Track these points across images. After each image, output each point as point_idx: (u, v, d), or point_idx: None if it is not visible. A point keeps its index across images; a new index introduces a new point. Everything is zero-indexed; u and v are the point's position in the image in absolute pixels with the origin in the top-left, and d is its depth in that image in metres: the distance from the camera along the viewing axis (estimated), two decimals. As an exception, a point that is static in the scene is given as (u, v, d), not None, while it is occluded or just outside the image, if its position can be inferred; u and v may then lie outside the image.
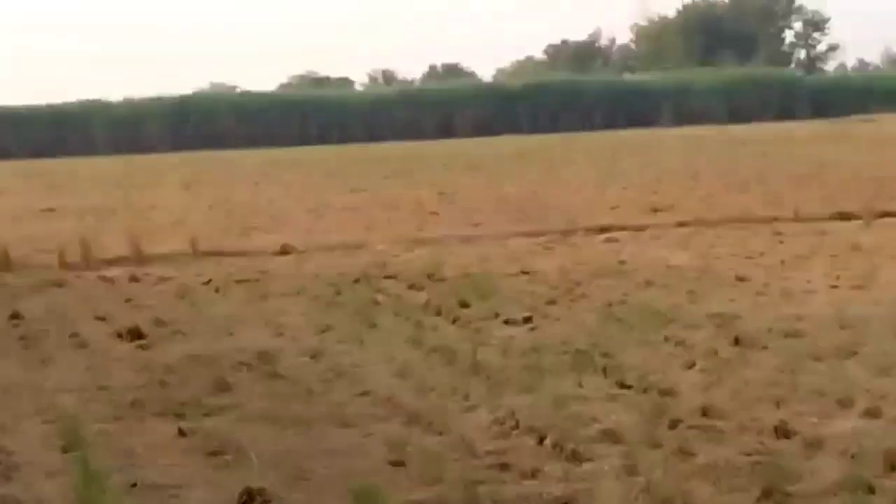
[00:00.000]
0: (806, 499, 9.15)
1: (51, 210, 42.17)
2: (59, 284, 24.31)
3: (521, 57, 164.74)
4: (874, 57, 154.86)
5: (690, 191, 37.72)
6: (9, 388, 14.56)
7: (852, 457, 9.98)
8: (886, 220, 27.72)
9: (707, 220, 29.22)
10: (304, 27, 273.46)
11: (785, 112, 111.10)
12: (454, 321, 17.84)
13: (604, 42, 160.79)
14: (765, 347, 14.65)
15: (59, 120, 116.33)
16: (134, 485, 10.34)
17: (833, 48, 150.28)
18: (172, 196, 46.58)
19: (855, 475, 9.39)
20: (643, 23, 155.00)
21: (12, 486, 10.49)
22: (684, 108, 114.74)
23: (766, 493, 9.20)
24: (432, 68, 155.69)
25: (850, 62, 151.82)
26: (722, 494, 9.20)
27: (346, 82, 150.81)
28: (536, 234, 28.54)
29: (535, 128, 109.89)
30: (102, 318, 19.59)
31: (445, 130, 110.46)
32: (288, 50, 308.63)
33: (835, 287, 19.23)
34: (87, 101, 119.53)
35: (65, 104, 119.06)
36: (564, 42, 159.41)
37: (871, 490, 9.10)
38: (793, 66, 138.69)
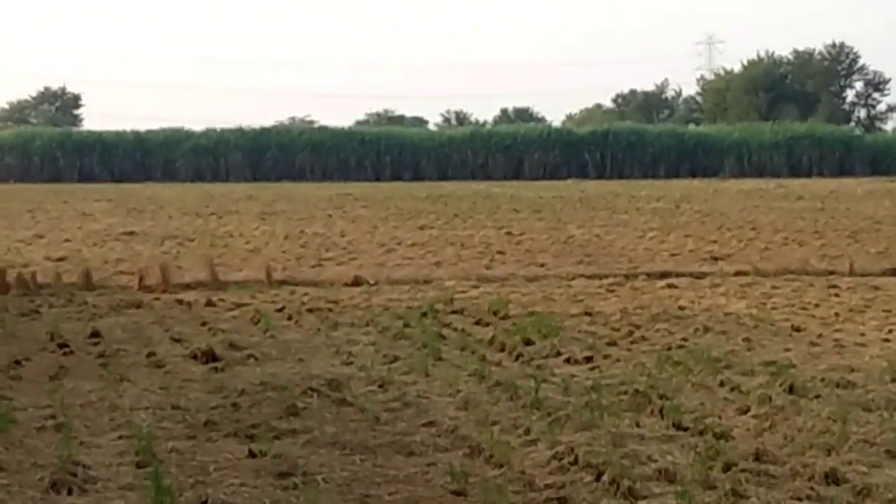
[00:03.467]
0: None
1: (132, 234, 42.36)
2: (138, 306, 24.42)
3: (591, 104, 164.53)
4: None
5: (749, 242, 37.54)
6: (87, 405, 14.65)
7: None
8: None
9: (764, 271, 29.08)
10: (382, 67, 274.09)
11: (843, 169, 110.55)
12: (517, 357, 17.81)
13: (670, 93, 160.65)
14: (817, 396, 14.52)
15: (142, 147, 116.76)
16: (204, 502, 10.37)
17: (893, 108, 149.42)
18: (249, 225, 46.68)
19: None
20: (709, 76, 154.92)
21: (88, 498, 10.55)
22: (745, 161, 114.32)
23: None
24: (504, 112, 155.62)
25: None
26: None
27: (420, 121, 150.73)
28: (599, 277, 28.48)
29: (601, 173, 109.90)
30: (178, 340, 19.70)
31: (514, 172, 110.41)
32: (366, 88, 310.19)
33: (887, 340, 19.06)
34: (171, 129, 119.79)
35: (148, 131, 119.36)
36: (632, 91, 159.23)
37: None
38: (853, 124, 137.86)
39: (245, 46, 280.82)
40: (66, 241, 39.52)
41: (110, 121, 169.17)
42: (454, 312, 22.77)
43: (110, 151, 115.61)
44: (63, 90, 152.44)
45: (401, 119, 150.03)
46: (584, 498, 10.38)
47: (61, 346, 19.12)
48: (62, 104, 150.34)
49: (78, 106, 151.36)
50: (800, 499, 10.24)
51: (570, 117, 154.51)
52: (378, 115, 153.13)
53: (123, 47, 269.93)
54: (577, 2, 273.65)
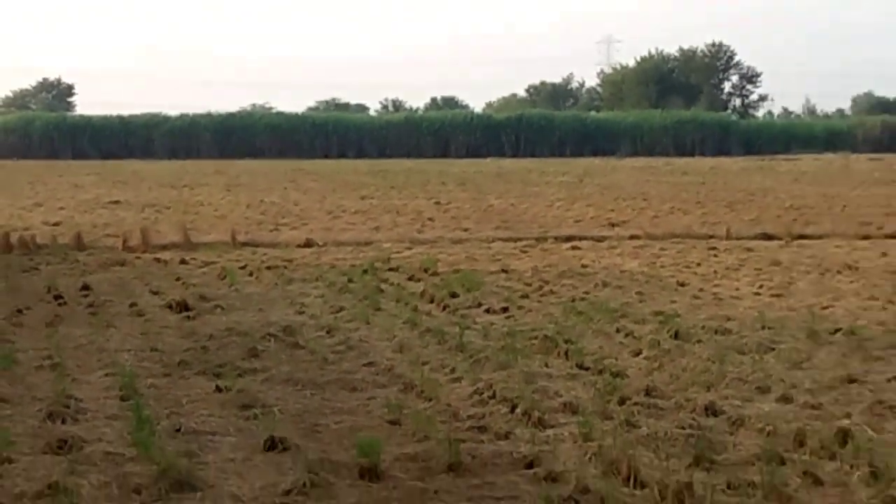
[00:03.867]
0: (729, 467, 9.17)
1: (117, 202, 42.12)
2: (122, 263, 24.33)
3: (507, 94, 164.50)
4: (797, 107, 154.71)
5: (641, 210, 37.60)
6: (78, 347, 14.65)
7: (768, 434, 10.03)
8: (802, 241, 27.69)
9: (654, 235, 29.12)
10: (331, 61, 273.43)
11: (721, 149, 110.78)
12: (444, 308, 17.86)
13: (575, 85, 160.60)
14: (699, 341, 14.65)
15: (126, 129, 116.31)
16: (178, 430, 10.45)
17: (763, 98, 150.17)
18: (216, 195, 46.46)
19: (769, 449, 9.42)
20: (608, 70, 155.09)
21: (80, 426, 10.52)
22: (638, 143, 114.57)
23: (697, 461, 9.23)
24: (433, 100, 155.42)
25: (777, 110, 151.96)
26: (660, 461, 9.20)
27: (362, 108, 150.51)
28: (514, 240, 28.45)
29: (516, 153, 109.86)
30: (156, 293, 19.70)
31: (442, 151, 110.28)
32: (317, 79, 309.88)
33: (757, 294, 19.19)
34: (150, 114, 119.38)
35: (131, 116, 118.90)
36: (543, 83, 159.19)
37: (782, 461, 9.13)
38: (729, 111, 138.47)
39: (215, 43, 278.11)
40: (61, 208, 39.26)
41: (99, 107, 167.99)
42: (391, 270, 22.74)
43: (99, 133, 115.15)
44: (59, 81, 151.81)
45: (346, 106, 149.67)
46: (501, 427, 10.43)
47: (57, 297, 19.06)
48: (58, 93, 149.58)
49: (71, 94, 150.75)
50: (683, 427, 10.30)
51: (489, 105, 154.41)
52: (327, 102, 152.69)
53: (110, 43, 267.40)
54: (495, 5, 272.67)
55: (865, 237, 28.69)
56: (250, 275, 22.31)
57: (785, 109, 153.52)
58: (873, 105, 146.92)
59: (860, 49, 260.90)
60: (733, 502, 8.12)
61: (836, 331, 15.31)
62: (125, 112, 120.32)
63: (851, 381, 12.30)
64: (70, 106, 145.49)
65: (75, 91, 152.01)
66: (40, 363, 13.60)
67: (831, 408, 11.13)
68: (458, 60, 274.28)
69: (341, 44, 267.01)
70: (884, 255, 24.81)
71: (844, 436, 9.86)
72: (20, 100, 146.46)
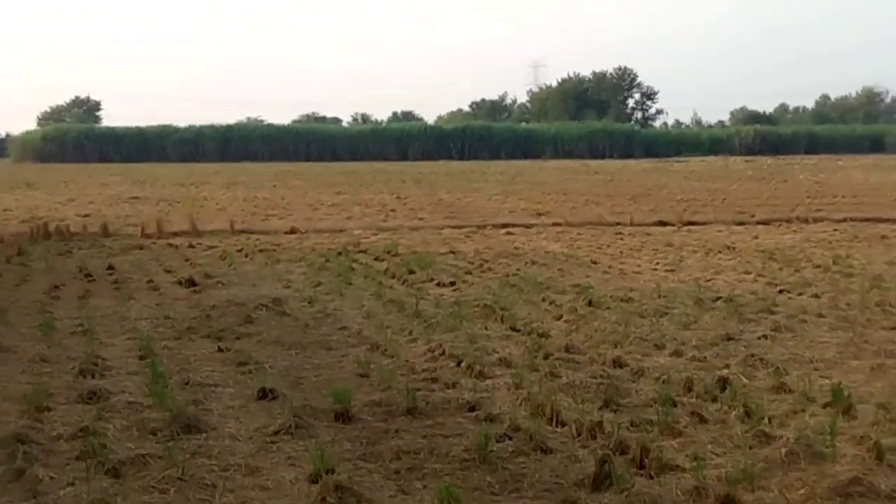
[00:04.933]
0: (632, 409, 9.22)
1: (136, 198, 41.88)
2: (140, 247, 24.15)
3: (454, 108, 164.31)
4: (686, 119, 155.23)
5: (562, 203, 37.61)
6: (105, 316, 14.55)
7: (663, 382, 10.12)
8: (690, 227, 27.78)
9: (572, 223, 29.14)
10: (311, 81, 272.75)
11: (626, 153, 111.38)
12: (403, 282, 17.79)
13: (509, 101, 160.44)
14: (608, 307, 14.66)
15: (143, 138, 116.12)
16: (186, 383, 10.44)
17: (659, 112, 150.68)
18: (218, 192, 46.24)
19: (664, 394, 9.46)
20: (535, 89, 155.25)
21: (105, 381, 10.46)
22: (560, 148, 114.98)
23: (606, 404, 9.26)
24: (394, 114, 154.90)
25: (671, 121, 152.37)
26: (577, 404, 9.21)
27: (336, 120, 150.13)
28: (460, 227, 28.40)
29: (462, 157, 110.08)
30: (168, 271, 19.59)
31: (402, 156, 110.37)
32: (299, 97, 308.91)
33: (654, 270, 19.23)
34: (163, 125, 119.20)
35: (148, 127, 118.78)
36: (483, 100, 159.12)
37: (674, 404, 9.17)
38: (632, 122, 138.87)
39: (216, 66, 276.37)
40: (90, 203, 38.97)
41: (121, 120, 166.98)
42: (360, 252, 22.64)
43: (121, 141, 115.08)
44: (88, 98, 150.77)
45: (323, 118, 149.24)
46: (449, 378, 10.45)
47: (87, 275, 18.94)
48: (87, 108, 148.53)
49: (99, 109, 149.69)
50: (595, 377, 10.36)
51: (440, 117, 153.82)
52: (307, 115, 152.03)
53: (130, 66, 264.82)
54: (446, 35, 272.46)
55: (741, 223, 28.81)
56: (245, 256, 22.17)
57: (677, 121, 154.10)
58: (747, 117, 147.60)
59: (736, 70, 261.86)
60: (635, 437, 8.14)
61: (718, 298, 15.40)
62: (143, 124, 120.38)
63: (729, 338, 12.38)
64: (97, 119, 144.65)
65: (102, 107, 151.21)
66: (74, 329, 13.53)
67: (713, 360, 11.22)
68: (415, 81, 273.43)
69: (319, 66, 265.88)
70: (755, 237, 24.93)
71: (724, 383, 9.96)
72: (56, 114, 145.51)
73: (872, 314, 13.99)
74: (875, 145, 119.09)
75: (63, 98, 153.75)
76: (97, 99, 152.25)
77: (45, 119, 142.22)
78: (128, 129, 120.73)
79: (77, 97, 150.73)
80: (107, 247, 24.40)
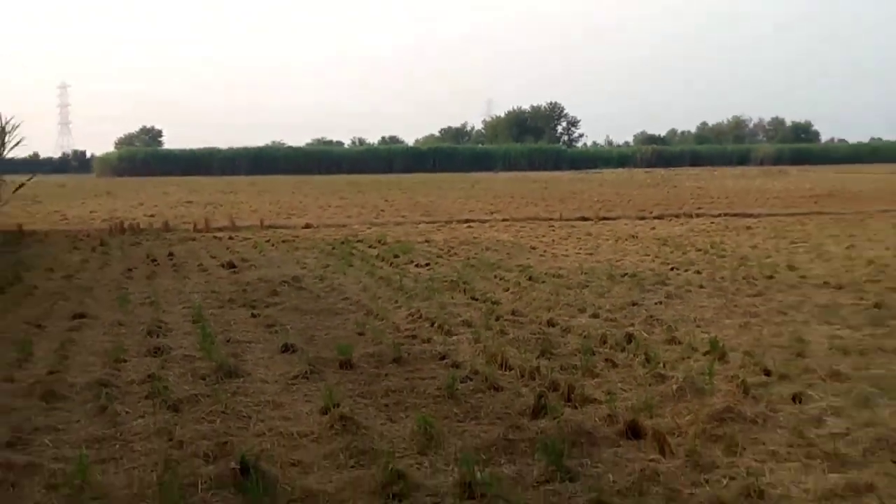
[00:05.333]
0: (561, 357, 9.26)
1: (189, 202, 41.59)
2: (193, 239, 23.98)
3: (428, 133, 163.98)
4: (601, 140, 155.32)
5: (509, 203, 37.57)
6: (166, 290, 14.47)
7: (584, 337, 10.10)
8: (604, 221, 27.76)
9: (517, 218, 29.12)
10: (320, 113, 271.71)
11: (556, 167, 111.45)
12: (390, 264, 17.69)
13: (469, 128, 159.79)
14: (543, 281, 14.63)
15: (194, 157, 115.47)
16: (228, 340, 10.36)
17: (580, 135, 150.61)
18: (250, 198, 46.01)
19: (585, 346, 9.47)
20: (488, 119, 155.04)
21: (167, 339, 10.41)
22: (507, 163, 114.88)
23: (542, 353, 9.27)
24: (383, 137, 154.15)
25: (589, 143, 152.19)
26: (521, 354, 9.21)
27: (340, 143, 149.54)
28: (433, 223, 28.31)
29: (434, 170, 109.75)
30: (214, 257, 19.40)
31: (388, 169, 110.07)
32: (312, 124, 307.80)
33: (578, 253, 19.18)
34: (209, 147, 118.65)
35: (198, 149, 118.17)
36: (449, 127, 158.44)
37: (593, 353, 9.18)
38: (561, 144, 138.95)
39: (247, 100, 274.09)
40: (155, 206, 38.66)
41: (178, 143, 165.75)
42: (357, 241, 22.48)
43: (178, 160, 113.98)
44: (153, 127, 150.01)
45: (330, 142, 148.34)
46: (425, 335, 10.44)
47: (153, 260, 18.81)
48: (152, 134, 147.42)
49: (160, 135, 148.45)
50: (534, 334, 10.34)
51: (417, 140, 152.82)
52: (318, 139, 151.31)
53: (186, 102, 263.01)
54: (419, 79, 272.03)
55: (642, 218, 28.76)
56: (272, 245, 21.98)
57: (594, 142, 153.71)
58: (645, 138, 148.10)
59: (637, 102, 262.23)
60: (564, 378, 8.15)
61: (625, 275, 15.39)
62: (195, 146, 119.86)
63: (634, 304, 12.41)
64: (160, 142, 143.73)
65: (163, 133, 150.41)
66: (143, 301, 13.47)
67: (622, 320, 11.24)
68: (398, 112, 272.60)
69: (326, 100, 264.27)
70: (653, 228, 24.94)
71: (630, 337, 9.97)
72: (128, 139, 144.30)
73: (740, 285, 14.07)
74: (742, 159, 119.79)
75: (134, 127, 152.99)
76: (159, 128, 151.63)
77: (120, 143, 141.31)
78: (182, 150, 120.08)
79: (144, 126, 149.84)
80: (167, 239, 24.23)
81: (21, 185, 28.31)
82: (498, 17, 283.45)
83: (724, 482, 5.82)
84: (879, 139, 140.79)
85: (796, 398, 7.59)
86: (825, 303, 12.30)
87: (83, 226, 28.88)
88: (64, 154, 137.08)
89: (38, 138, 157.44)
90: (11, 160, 28.50)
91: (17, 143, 28.56)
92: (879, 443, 6.40)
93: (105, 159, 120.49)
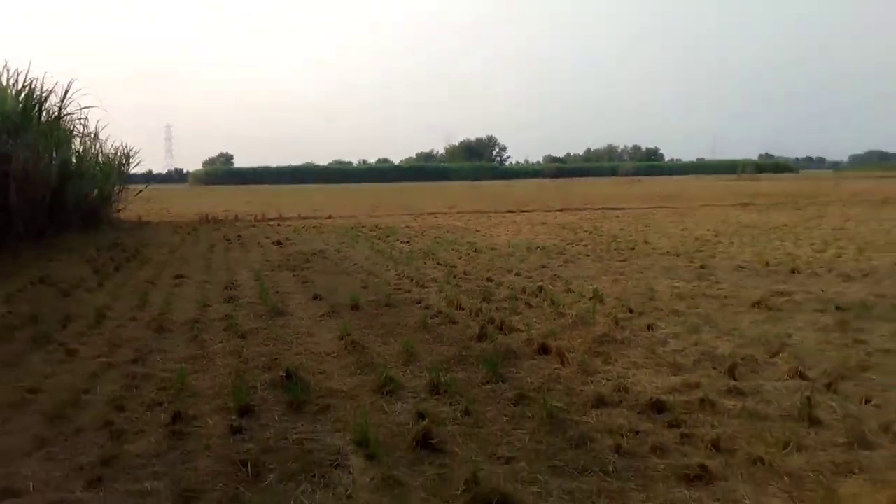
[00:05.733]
0: (496, 301, 9.15)
1: (251, 202, 41.15)
2: (254, 226, 23.64)
3: (410, 155, 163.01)
4: (522, 160, 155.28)
5: (464, 201, 37.39)
6: (237, 261, 14.24)
7: (511, 289, 10.00)
8: (523, 213, 27.70)
9: (468, 211, 29.02)
10: (336, 140, 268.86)
11: (493, 178, 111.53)
12: (384, 241, 17.46)
13: (435, 152, 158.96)
14: (484, 253, 14.51)
15: (255, 172, 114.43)
16: (276, 291, 10.16)
17: (508, 157, 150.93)
18: (291, 199, 45.57)
19: (511, 295, 9.43)
20: (448, 145, 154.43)
21: (237, 291, 10.28)
22: (461, 176, 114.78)
23: (484, 299, 9.19)
24: (378, 159, 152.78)
25: (513, 161, 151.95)
26: (469, 300, 9.16)
27: (349, 163, 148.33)
28: (413, 214, 28.16)
29: (412, 181, 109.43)
30: (268, 237, 19.09)
31: (382, 180, 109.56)
32: (330, 148, 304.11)
33: (506, 234, 19.09)
34: (263, 166, 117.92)
35: (258, 167, 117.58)
36: (421, 152, 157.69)
37: (516, 299, 9.14)
38: (495, 162, 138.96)
39: (287, 133, 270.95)
40: (228, 205, 38.22)
41: (244, 162, 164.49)
42: (362, 227, 22.20)
43: (244, 174, 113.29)
44: (226, 153, 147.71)
45: (349, 163, 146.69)
46: (407, 288, 10.32)
47: (227, 240, 18.52)
48: (225, 158, 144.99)
49: (231, 158, 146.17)
50: (479, 287, 10.23)
51: (402, 160, 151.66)
52: (335, 160, 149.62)
53: (249, 133, 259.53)
54: (400, 115, 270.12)
55: (548, 211, 28.67)
56: (305, 230, 21.62)
57: (518, 162, 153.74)
58: (550, 158, 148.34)
59: (547, 130, 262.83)
60: (498, 315, 8.12)
61: (537, 247, 15.32)
62: (255, 164, 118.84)
63: (543, 267, 12.32)
64: (232, 162, 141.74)
65: (233, 156, 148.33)
66: (221, 266, 13.22)
67: (536, 277, 11.15)
68: (388, 138, 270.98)
69: (341, 127, 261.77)
70: (555, 217, 24.87)
71: (540, 289, 9.90)
72: (210, 161, 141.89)
73: (612, 254, 14.04)
74: (613, 172, 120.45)
75: (215, 151, 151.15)
76: (231, 153, 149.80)
77: (206, 162, 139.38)
78: (246, 168, 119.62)
79: (221, 152, 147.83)
80: (236, 226, 23.87)
81: (140, 191, 28.55)
82: (463, 72, 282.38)
83: (603, 382, 5.81)
84: (703, 159, 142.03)
85: (649, 327, 7.59)
86: (668, 265, 12.36)
87: (181, 217, 28.45)
88: (168, 170, 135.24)
89: (150, 160, 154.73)
90: (133, 175, 28.51)
91: (137, 163, 28.59)
92: (703, 356, 6.43)
93: (195, 174, 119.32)
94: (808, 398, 5.02)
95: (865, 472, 4.07)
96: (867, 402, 5.17)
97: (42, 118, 19.30)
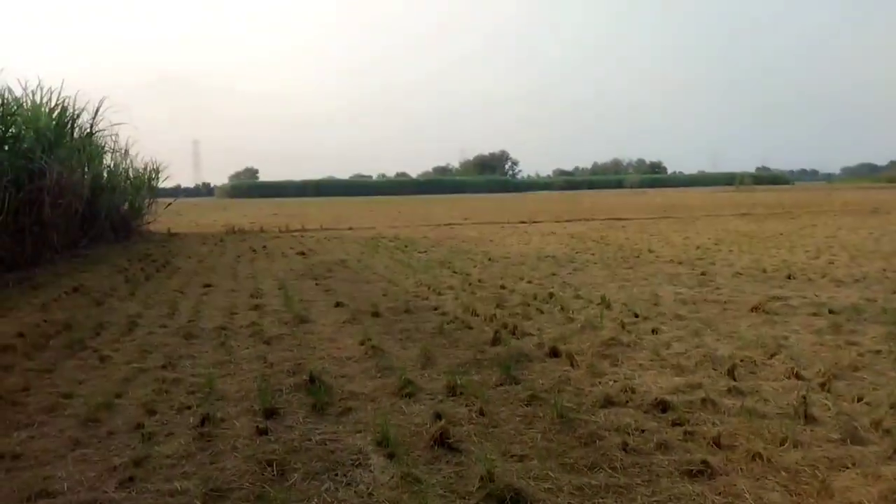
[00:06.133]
0: (510, 307, 9.15)
1: (275, 214, 41.27)
2: (278, 237, 23.65)
3: (426, 169, 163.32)
4: (533, 174, 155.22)
5: (478, 213, 37.44)
6: (262, 269, 14.31)
7: (523, 295, 10.02)
8: (534, 224, 27.70)
9: (482, 222, 29.03)
10: (353, 155, 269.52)
11: (505, 191, 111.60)
12: (402, 251, 17.52)
13: (451, 166, 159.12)
14: (498, 262, 14.55)
15: (278, 186, 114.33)
16: (300, 300, 10.18)
17: (520, 170, 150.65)
18: (314, 212, 45.70)
19: (524, 302, 9.45)
20: (462, 160, 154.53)
21: (262, 300, 10.28)
22: (475, 189, 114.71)
23: (497, 305, 9.23)
24: (396, 173, 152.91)
25: (525, 175, 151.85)
26: (484, 306, 9.18)
27: (369, 176, 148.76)
28: (427, 226, 28.17)
29: (429, 194, 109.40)
30: (292, 248, 19.13)
31: (400, 193, 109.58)
32: (347, 162, 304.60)
33: (518, 244, 19.09)
34: (287, 180, 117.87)
35: (281, 181, 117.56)
36: (438, 166, 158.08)
37: (528, 305, 9.15)
38: (508, 175, 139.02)
39: (307, 150, 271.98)
40: (254, 217, 38.39)
41: (268, 176, 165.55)
42: (382, 238, 22.24)
43: (268, 188, 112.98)
44: (252, 167, 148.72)
45: (368, 176, 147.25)
46: (425, 295, 10.31)
47: (253, 250, 18.60)
48: (251, 172, 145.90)
49: (257, 172, 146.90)
50: (493, 294, 10.25)
51: (419, 174, 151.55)
52: (354, 174, 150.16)
53: (271, 149, 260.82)
54: (417, 134, 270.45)
55: (558, 221, 28.70)
56: (328, 241, 21.67)
57: (528, 175, 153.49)
58: (559, 172, 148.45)
59: (557, 147, 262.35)
60: (511, 321, 8.13)
61: (547, 256, 15.35)
62: (279, 178, 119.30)
63: (553, 274, 12.33)
64: (257, 176, 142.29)
65: (258, 171, 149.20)
66: (247, 276, 13.28)
67: (546, 284, 11.14)
68: (405, 155, 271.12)
69: (359, 143, 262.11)
70: (565, 228, 24.86)
71: (551, 295, 9.93)
72: (236, 175, 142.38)
73: (618, 262, 14.04)
74: (619, 185, 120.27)
75: (241, 166, 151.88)
76: (256, 167, 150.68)
77: (232, 177, 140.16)
78: (271, 181, 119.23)
79: (247, 167, 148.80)
80: (262, 237, 23.95)
81: (169, 204, 28.86)
82: (475, 87, 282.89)
83: (611, 383, 5.83)
84: (703, 171, 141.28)
85: (654, 331, 7.60)
86: (671, 272, 12.33)
87: (209, 229, 28.65)
88: (196, 185, 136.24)
89: (178, 174, 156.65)
90: (163, 189, 28.77)
91: (166, 178, 28.82)
92: (705, 358, 6.42)
93: (222, 188, 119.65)
94: (804, 397, 5.03)
95: (858, 467, 4.09)
96: (859, 400, 5.20)
97: (75, 134, 19.63)
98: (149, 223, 26.84)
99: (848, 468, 4.08)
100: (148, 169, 27.38)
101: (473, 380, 5.99)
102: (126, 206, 24.14)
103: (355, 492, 4.01)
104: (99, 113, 21.20)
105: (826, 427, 4.70)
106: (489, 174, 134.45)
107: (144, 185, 26.38)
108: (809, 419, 4.80)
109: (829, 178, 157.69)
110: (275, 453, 4.51)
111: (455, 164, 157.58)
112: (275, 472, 4.26)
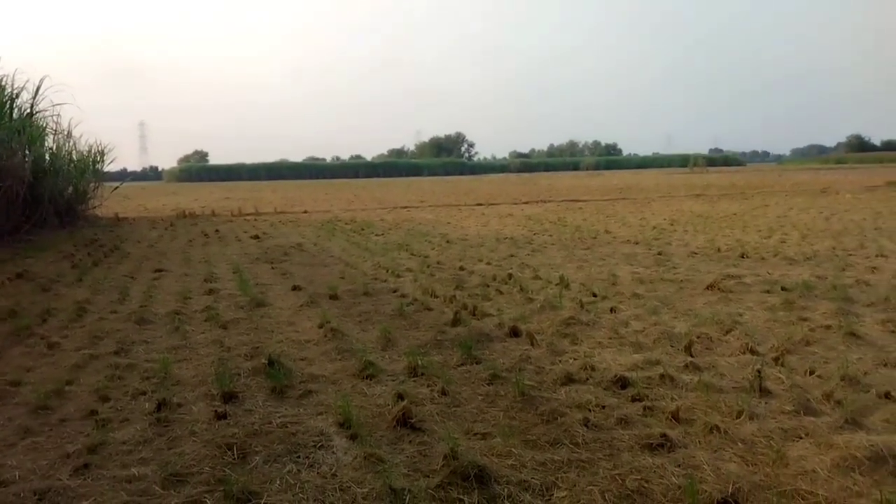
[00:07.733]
0: (469, 288, 9.20)
1: (227, 198, 40.57)
2: (231, 221, 23.30)
3: (382, 151, 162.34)
4: (489, 156, 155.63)
5: (433, 195, 37.45)
6: (215, 254, 14.03)
7: (482, 276, 10.07)
8: (491, 206, 27.88)
9: (439, 204, 29.04)
10: (310, 137, 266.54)
11: (461, 173, 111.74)
12: (359, 234, 17.47)
13: (406, 148, 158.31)
14: (455, 243, 14.57)
15: (230, 169, 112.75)
16: (256, 283, 10.08)
17: (476, 153, 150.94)
18: (267, 195, 45.05)
19: (483, 283, 9.50)
20: (417, 143, 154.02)
21: (217, 284, 10.12)
22: (432, 171, 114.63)
23: (457, 287, 9.23)
24: (351, 155, 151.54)
25: (481, 157, 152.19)
26: (443, 287, 9.20)
27: (323, 159, 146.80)
28: (385, 208, 28.11)
29: (384, 176, 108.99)
30: (246, 232, 18.86)
31: (355, 176, 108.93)
32: (304, 145, 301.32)
33: (475, 226, 19.14)
34: (239, 163, 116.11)
35: (233, 164, 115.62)
36: (393, 148, 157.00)
37: (487, 286, 9.22)
38: (464, 158, 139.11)
39: (264, 131, 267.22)
40: (205, 201, 37.66)
41: (219, 159, 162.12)
42: (338, 221, 22.10)
43: (219, 171, 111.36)
44: (202, 150, 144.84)
45: (323, 160, 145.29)
46: (384, 277, 10.27)
47: (205, 235, 18.26)
48: (200, 155, 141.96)
49: (207, 155, 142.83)
50: (452, 276, 10.24)
51: (374, 157, 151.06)
52: (310, 157, 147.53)
53: (223, 134, 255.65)
54: (375, 116, 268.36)
55: (515, 203, 28.85)
56: (282, 224, 21.42)
57: (484, 157, 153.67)
58: (516, 155, 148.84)
59: (513, 127, 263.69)
60: (471, 301, 8.18)
61: (506, 238, 15.43)
62: (230, 161, 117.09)
63: (512, 256, 12.41)
64: (207, 159, 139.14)
65: (208, 153, 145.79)
66: (200, 260, 13.05)
67: (505, 265, 11.23)
68: (359, 137, 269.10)
69: (315, 127, 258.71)
70: (522, 210, 25.03)
71: (510, 276, 9.99)
72: (186, 158, 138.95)
73: (576, 243, 14.20)
74: (575, 167, 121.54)
75: (189, 149, 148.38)
76: (206, 150, 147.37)
77: (181, 160, 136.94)
78: (221, 165, 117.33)
79: (196, 150, 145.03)
80: (214, 221, 23.54)
81: (116, 188, 28.14)
82: (429, 69, 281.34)
83: (571, 361, 5.92)
84: (658, 153, 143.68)
85: (612, 310, 7.72)
86: (628, 252, 12.54)
87: (158, 214, 28.01)
88: (143, 168, 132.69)
89: (124, 158, 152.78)
90: (108, 172, 27.89)
91: (111, 161, 28.00)
92: (662, 335, 6.56)
93: (171, 171, 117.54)
94: (759, 371, 5.19)
95: (811, 437, 4.24)
96: (811, 373, 5.39)
97: (14, 115, 18.90)
98: (95, 207, 26.02)
99: (801, 438, 4.22)
100: (93, 151, 26.55)
101: (434, 360, 6.01)
102: (70, 190, 23.35)
103: (318, 473, 4.00)
104: (40, 92, 20.46)
105: (780, 400, 4.85)
106: (445, 157, 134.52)
107: (89, 169, 25.51)
108: (764, 392, 4.97)
109: (779, 159, 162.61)
110: (235, 437, 4.46)
111: (411, 146, 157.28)
112: (235, 456, 4.22)
